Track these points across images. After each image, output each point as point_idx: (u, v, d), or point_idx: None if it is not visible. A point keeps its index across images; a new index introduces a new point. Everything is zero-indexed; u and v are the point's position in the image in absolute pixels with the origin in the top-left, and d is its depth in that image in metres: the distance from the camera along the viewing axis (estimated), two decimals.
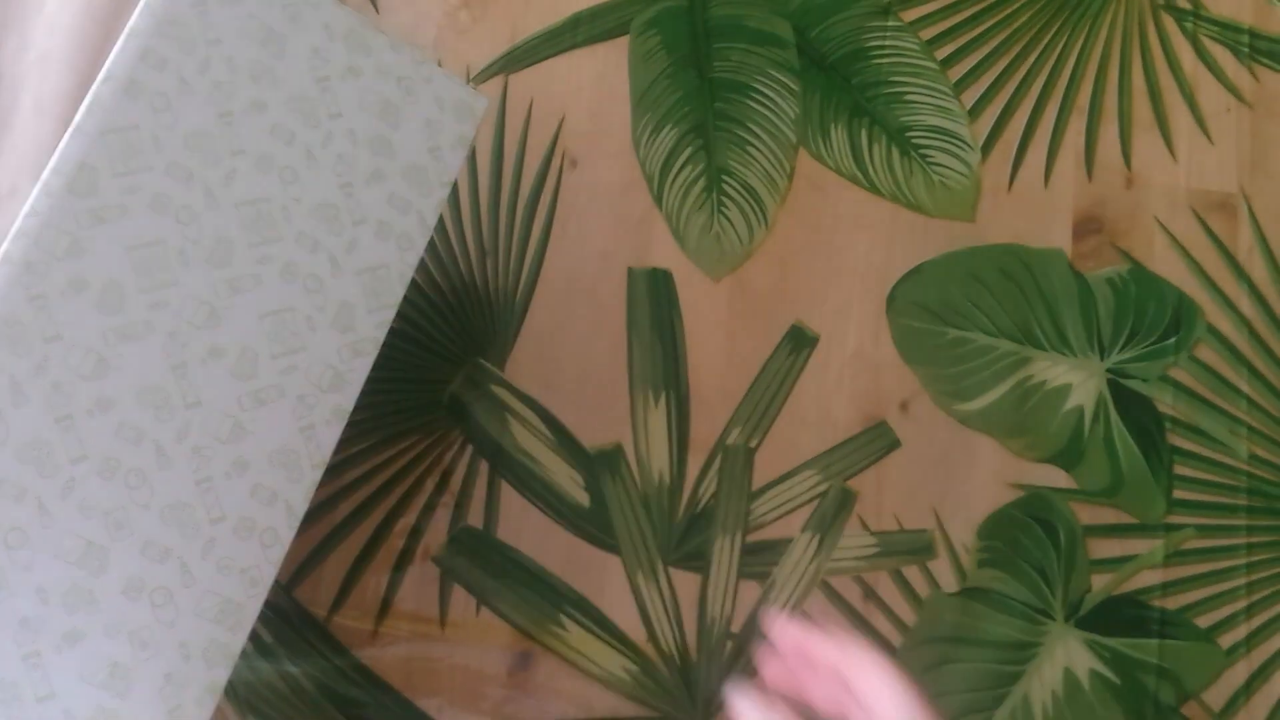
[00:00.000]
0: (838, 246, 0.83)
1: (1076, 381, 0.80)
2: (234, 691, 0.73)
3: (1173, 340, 0.81)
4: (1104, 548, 0.78)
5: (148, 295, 0.54)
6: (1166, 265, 0.83)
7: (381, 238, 0.61)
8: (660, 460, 0.78)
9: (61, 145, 0.52)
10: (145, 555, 0.53)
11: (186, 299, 0.55)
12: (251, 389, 0.56)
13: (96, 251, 0.53)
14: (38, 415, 0.51)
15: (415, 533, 0.76)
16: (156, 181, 0.54)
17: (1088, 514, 0.78)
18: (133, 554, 0.53)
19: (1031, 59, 0.86)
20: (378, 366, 0.79)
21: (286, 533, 0.57)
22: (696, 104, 0.85)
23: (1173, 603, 0.77)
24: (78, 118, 0.53)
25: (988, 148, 0.84)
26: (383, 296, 0.61)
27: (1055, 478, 0.79)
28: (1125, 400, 0.80)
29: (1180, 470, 0.79)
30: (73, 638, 0.52)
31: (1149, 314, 0.81)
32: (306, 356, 0.58)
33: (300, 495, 0.57)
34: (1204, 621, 0.77)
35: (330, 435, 0.59)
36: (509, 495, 0.77)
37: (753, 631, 0.76)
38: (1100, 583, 0.77)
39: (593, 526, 0.77)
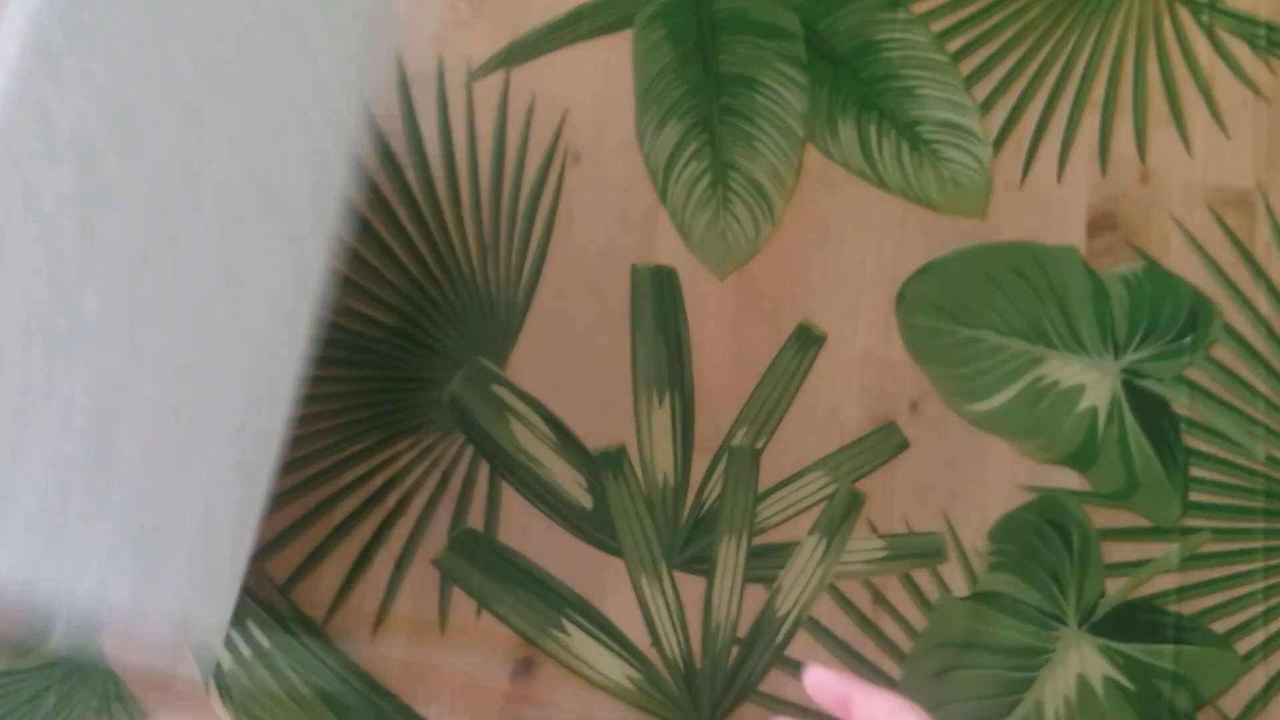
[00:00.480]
0: (846, 243, 0.81)
1: (1090, 382, 0.79)
2: (230, 696, 0.72)
3: (1188, 339, 0.80)
4: (1118, 551, 0.76)
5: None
6: (1182, 263, 0.81)
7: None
8: (664, 461, 0.77)
9: None
10: (158, 419, 0.52)
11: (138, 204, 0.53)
12: (238, 243, 0.55)
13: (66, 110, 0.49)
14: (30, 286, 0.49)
15: (415, 535, 0.76)
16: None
17: (1102, 517, 0.77)
18: (144, 418, 0.51)
19: (1044, 52, 0.85)
20: (378, 365, 0.78)
21: (284, 414, 0.56)
22: (702, 98, 0.84)
23: (1188, 608, 0.76)
24: None
25: (1000, 143, 0.83)
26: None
27: (1068, 480, 0.77)
28: (1140, 401, 0.78)
29: (1196, 472, 0.78)
30: (98, 504, 0.50)
31: (1164, 313, 0.80)
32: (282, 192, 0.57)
33: (296, 357, 0.57)
34: (1220, 627, 0.76)
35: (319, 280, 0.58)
36: (510, 497, 0.76)
37: (759, 637, 0.75)
38: (1115, 587, 0.76)
39: (595, 529, 0.76)
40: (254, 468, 0.55)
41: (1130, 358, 0.79)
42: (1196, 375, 0.79)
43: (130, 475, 0.51)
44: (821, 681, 0.44)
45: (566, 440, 0.77)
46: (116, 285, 0.51)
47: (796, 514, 0.77)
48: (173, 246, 0.52)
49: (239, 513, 0.54)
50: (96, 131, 0.49)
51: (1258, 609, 0.76)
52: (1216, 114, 0.84)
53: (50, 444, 0.49)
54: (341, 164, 0.58)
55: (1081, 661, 0.75)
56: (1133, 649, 0.75)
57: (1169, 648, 0.75)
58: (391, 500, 0.76)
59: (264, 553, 0.75)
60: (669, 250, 0.81)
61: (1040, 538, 0.76)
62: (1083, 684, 0.74)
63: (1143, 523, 0.77)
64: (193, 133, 0.52)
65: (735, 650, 0.74)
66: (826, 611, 0.75)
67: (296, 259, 0.57)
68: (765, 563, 0.76)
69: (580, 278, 0.80)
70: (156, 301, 0.52)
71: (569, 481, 0.77)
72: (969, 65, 0.85)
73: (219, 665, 0.73)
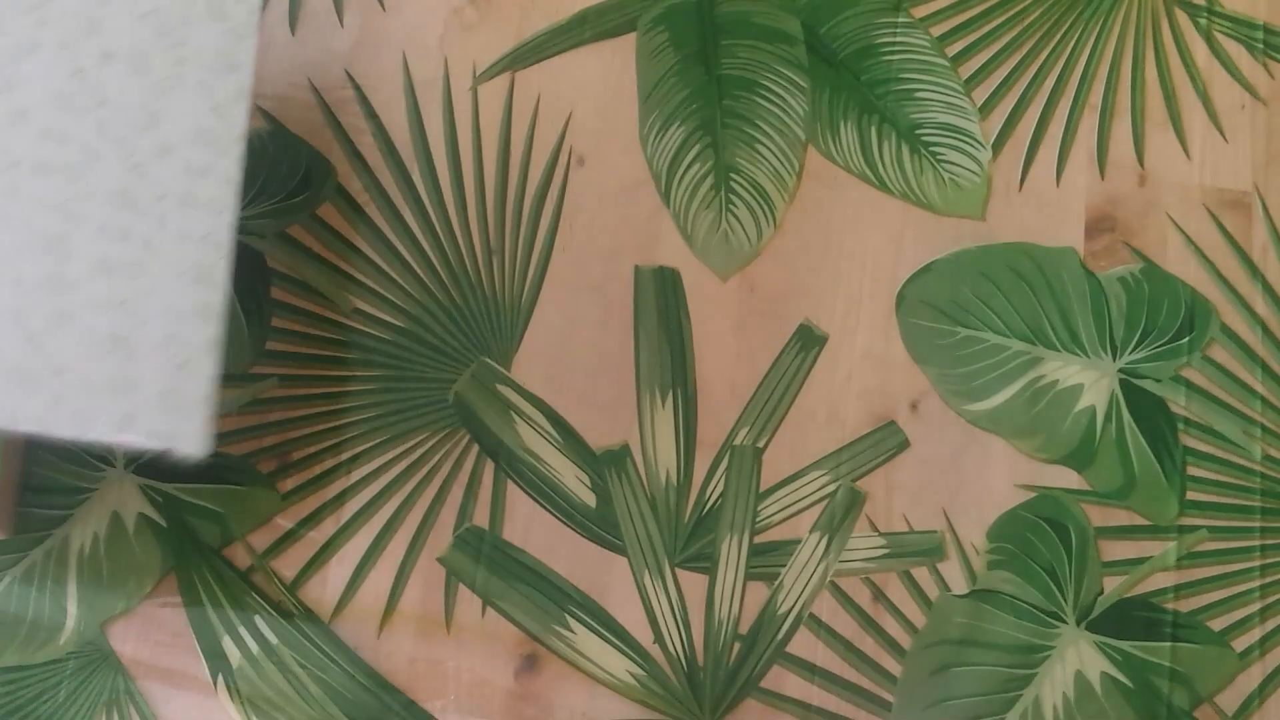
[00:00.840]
0: (847, 245, 0.82)
1: (1088, 382, 0.79)
2: (238, 691, 0.73)
3: (1186, 340, 0.80)
4: (1116, 549, 0.77)
5: (29, 15, 0.58)
6: (1180, 264, 0.82)
7: None
8: (667, 460, 0.78)
9: None
10: (105, 236, 0.56)
11: (64, 15, 0.58)
12: (151, 81, 0.60)
13: None
14: None
15: (420, 533, 0.76)
16: None
17: (1099, 515, 0.77)
18: (93, 237, 0.56)
19: (1043, 55, 0.86)
20: (382, 365, 0.79)
21: (229, 199, 0.60)
22: (704, 101, 0.84)
23: (1186, 605, 0.76)
24: None
25: (999, 145, 0.84)
26: None
27: (1067, 479, 0.78)
28: (1138, 401, 0.79)
29: (1193, 471, 0.78)
30: (64, 317, 0.55)
31: (1162, 313, 0.81)
32: (193, 46, 0.60)
33: (233, 165, 0.60)
34: (1218, 624, 0.76)
35: (239, 113, 0.61)
36: (515, 495, 0.77)
37: (760, 633, 0.75)
38: (1112, 585, 0.76)
39: (599, 527, 0.77)
40: (208, 274, 0.58)
41: (1128, 358, 0.80)
42: (1194, 375, 0.80)
43: (90, 290, 0.56)
44: None
45: (570, 439, 0.78)
46: (45, 125, 0.57)
47: (798, 512, 0.77)
48: (88, 87, 0.58)
49: (202, 316, 0.57)
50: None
51: (1254, 607, 0.76)
52: (1214, 117, 0.85)
53: (8, 267, 0.54)
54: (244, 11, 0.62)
55: (1079, 658, 0.75)
56: (1130, 646, 0.75)
57: (1166, 645, 0.76)
58: (397, 499, 0.77)
59: (271, 549, 0.76)
60: (672, 251, 0.82)
61: (1039, 536, 0.77)
62: (1081, 681, 0.75)
63: (1140, 521, 0.77)
64: None
65: (737, 647, 0.75)
66: (827, 608, 0.76)
67: (212, 94, 0.60)
68: (767, 560, 0.76)
69: (584, 279, 0.81)
70: (83, 135, 0.57)
71: (573, 480, 0.77)
72: (968, 69, 0.85)
73: (227, 661, 0.74)
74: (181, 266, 0.58)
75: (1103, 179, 0.84)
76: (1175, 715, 0.75)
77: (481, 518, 0.77)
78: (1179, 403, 0.79)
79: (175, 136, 0.60)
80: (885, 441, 0.79)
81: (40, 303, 0.55)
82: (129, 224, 0.58)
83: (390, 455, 0.77)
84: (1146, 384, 0.79)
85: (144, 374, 0.56)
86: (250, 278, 0.80)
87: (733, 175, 0.83)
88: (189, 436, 0.57)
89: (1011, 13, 0.87)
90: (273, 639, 0.74)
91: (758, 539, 0.77)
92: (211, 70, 0.62)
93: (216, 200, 0.60)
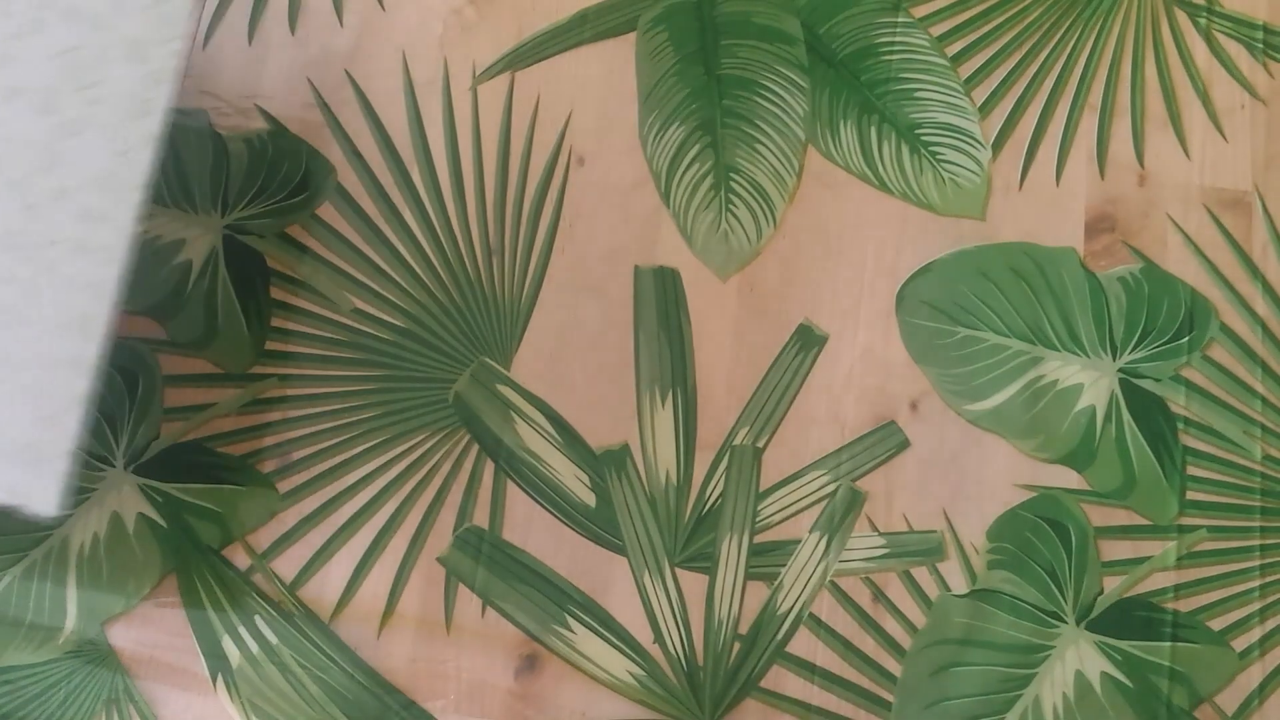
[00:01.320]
0: (847, 245, 0.82)
1: (1088, 381, 0.79)
2: (238, 691, 0.73)
3: (1186, 340, 0.80)
4: (1116, 549, 0.77)
5: None
6: (1180, 264, 0.82)
7: None
8: (667, 460, 0.78)
9: None
10: None
11: None
12: (58, 122, 0.58)
13: None
14: None
15: (420, 533, 0.76)
16: None
17: (1099, 515, 0.77)
18: None
19: (1043, 55, 0.86)
20: (382, 365, 0.79)
21: (121, 250, 0.58)
22: (704, 101, 0.84)
23: (1185, 605, 0.76)
24: None
25: (998, 145, 0.84)
26: (171, 28, 0.61)
27: (1067, 478, 0.78)
28: (1137, 400, 0.79)
29: (1193, 471, 0.78)
30: None
31: (1162, 313, 0.81)
32: (108, 89, 0.58)
33: (129, 213, 0.58)
34: (1217, 624, 0.76)
35: (145, 157, 0.59)
36: (514, 495, 0.77)
37: (760, 633, 0.75)
38: (1112, 585, 0.76)
39: (599, 526, 0.77)
40: (88, 325, 0.56)
41: (1128, 357, 0.80)
42: (1193, 375, 0.80)
43: None
44: None
45: (570, 439, 0.78)
46: None
47: (797, 512, 0.77)
48: None
49: (75, 369, 0.56)
50: None
51: (1254, 606, 0.76)
52: (1214, 116, 0.85)
53: None
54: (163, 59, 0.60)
55: (1079, 658, 0.75)
56: (1130, 646, 0.75)
57: (1166, 645, 0.76)
58: (397, 499, 0.77)
59: (271, 549, 0.76)
60: (672, 251, 0.82)
61: (1039, 536, 0.77)
62: (1080, 680, 0.75)
63: (1140, 521, 0.77)
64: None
65: (737, 646, 0.75)
66: (827, 608, 0.76)
67: (120, 139, 0.58)
68: (767, 560, 0.76)
69: (584, 279, 0.81)
70: None
71: (573, 480, 0.77)
72: (968, 69, 0.85)
73: (227, 661, 0.74)
74: (63, 316, 0.56)
75: (1103, 179, 0.84)
76: (1175, 715, 0.75)
77: (481, 518, 0.77)
78: (1179, 402, 0.79)
79: (74, 180, 0.58)
80: (885, 441, 0.79)
81: None
82: (13, 267, 0.56)
83: (390, 455, 0.77)
84: (1146, 384, 0.79)
85: (3, 425, 0.54)
86: (250, 277, 0.80)
87: (732, 175, 0.83)
88: (42, 495, 0.54)
89: (1011, 12, 0.87)
90: (272, 639, 0.74)
91: (757, 539, 0.77)
92: (124, 114, 0.59)
93: (109, 249, 0.58)
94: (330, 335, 0.79)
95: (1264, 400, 0.80)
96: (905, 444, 0.79)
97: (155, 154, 0.60)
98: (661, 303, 0.80)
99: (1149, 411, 0.79)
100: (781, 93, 0.85)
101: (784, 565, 0.76)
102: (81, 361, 0.56)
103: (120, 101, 0.59)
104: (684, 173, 0.83)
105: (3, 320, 0.55)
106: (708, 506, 0.77)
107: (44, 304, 0.56)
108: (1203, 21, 0.87)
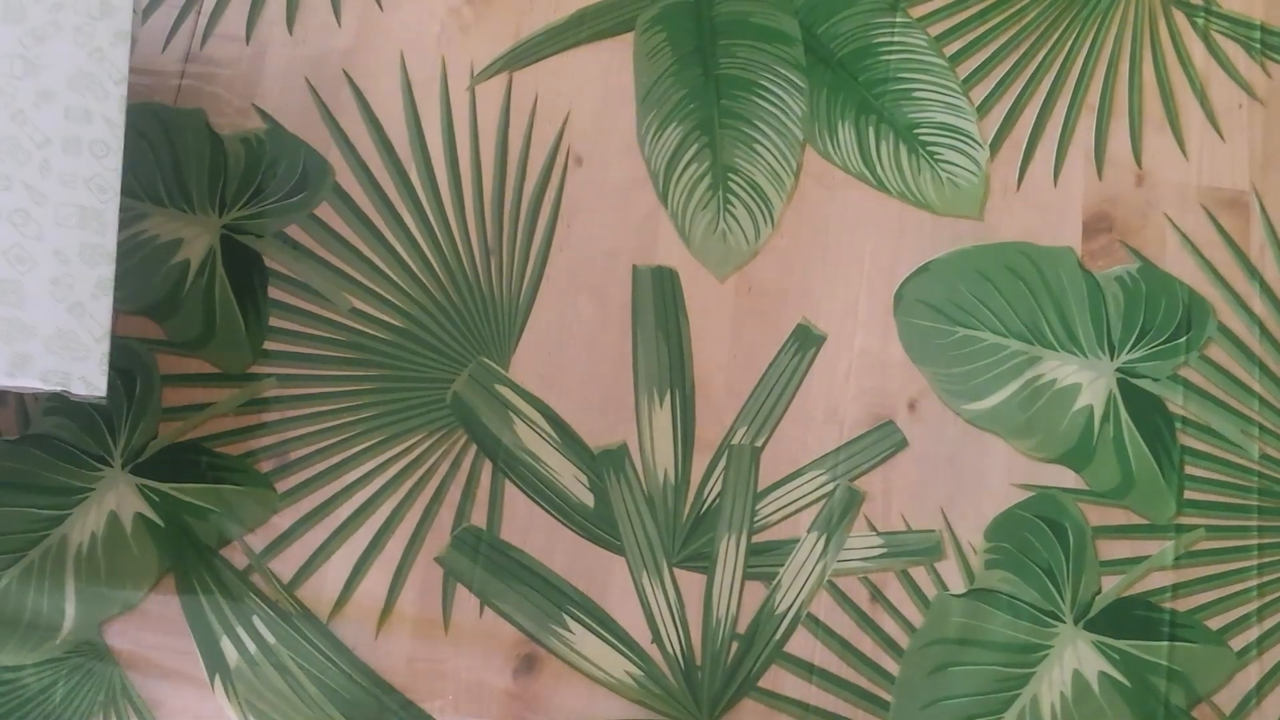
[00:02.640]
0: (845, 245, 0.82)
1: (1086, 381, 0.79)
2: (235, 692, 0.73)
3: (1183, 339, 0.80)
4: (1114, 549, 0.77)
5: None
6: (1177, 264, 0.82)
7: None
8: (665, 460, 0.78)
9: None
10: None
11: None
12: (27, 30, 0.60)
13: None
14: None
15: (418, 533, 0.76)
16: None
17: (1097, 515, 0.77)
18: None
19: (1041, 55, 0.86)
20: (380, 365, 0.79)
21: (115, 142, 0.61)
22: (702, 101, 0.84)
23: (1183, 604, 0.76)
24: None
25: (996, 145, 0.84)
26: None
27: (1064, 478, 0.78)
28: (1135, 400, 0.79)
29: (1191, 470, 0.78)
30: None
31: (1159, 313, 0.81)
32: None
33: (114, 108, 0.61)
34: (1215, 623, 0.76)
35: (120, 55, 0.61)
36: (513, 495, 0.77)
37: (758, 633, 0.75)
38: (1110, 584, 0.76)
39: (597, 526, 0.77)
40: (95, 217, 0.59)
41: (1126, 357, 0.80)
42: (1191, 374, 0.80)
43: None
44: None
45: (568, 439, 0.78)
46: None
47: (796, 512, 0.77)
48: None
49: (92, 259, 0.58)
50: None
51: (1252, 606, 0.76)
52: (1211, 116, 0.85)
53: None
54: None
55: (1077, 658, 0.75)
56: (1128, 645, 0.75)
57: (1164, 644, 0.76)
58: (395, 499, 0.77)
59: (269, 548, 0.76)
60: (670, 251, 0.82)
61: (1036, 535, 0.77)
62: (1078, 680, 0.75)
63: (1138, 520, 0.77)
64: None
65: (735, 646, 0.75)
66: (825, 608, 0.76)
67: (91, 39, 0.61)
68: (765, 560, 0.76)
69: (582, 278, 0.81)
70: None
71: (571, 480, 0.77)
72: (966, 68, 0.85)
73: (225, 661, 0.74)
74: (68, 211, 0.59)
75: (1100, 179, 0.84)
76: (1173, 714, 0.75)
77: (479, 518, 0.77)
78: (1177, 402, 0.79)
79: (55, 82, 0.60)
80: (883, 441, 0.79)
81: None
82: (11, 171, 0.59)
83: (388, 455, 0.77)
84: (1144, 383, 0.79)
85: (35, 318, 0.57)
86: (248, 277, 0.80)
87: (730, 175, 0.83)
88: (84, 377, 0.57)
89: (1009, 12, 0.87)
90: (270, 639, 0.74)
91: (756, 538, 0.77)
92: (89, 15, 0.61)
93: (100, 143, 0.60)
94: (328, 335, 0.79)
95: (1261, 400, 0.80)
96: (903, 444, 0.79)
97: (128, 49, 0.62)
98: (660, 302, 0.80)
99: (1147, 411, 0.79)
100: (779, 93, 0.85)
101: (782, 565, 0.76)
102: (98, 250, 0.59)
103: (83, 4, 0.62)
104: (682, 172, 0.83)
105: (13, 222, 0.58)
106: (706, 506, 0.77)
107: (48, 202, 0.59)
108: (1200, 21, 0.87)
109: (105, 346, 0.58)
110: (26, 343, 0.57)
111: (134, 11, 0.63)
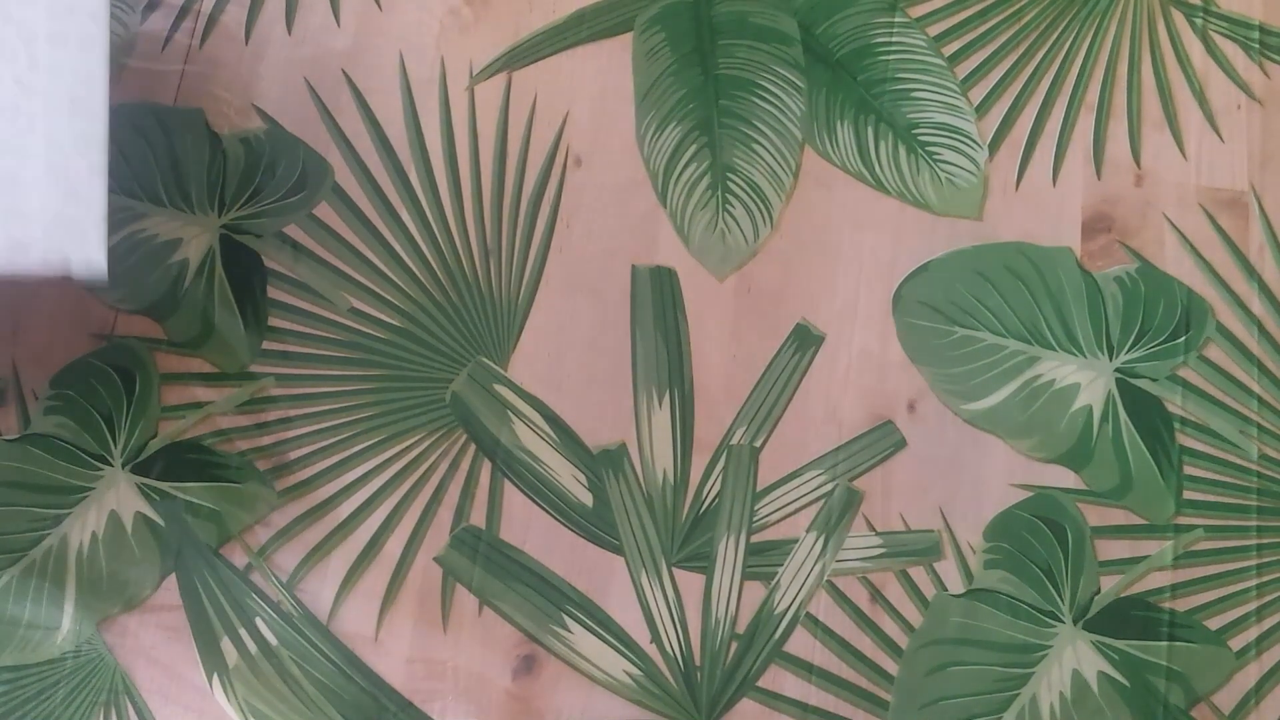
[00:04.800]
0: (843, 244, 0.82)
1: (1085, 381, 0.79)
2: (234, 692, 0.73)
3: (1182, 339, 0.80)
4: (1113, 549, 0.77)
5: None
6: (1176, 264, 0.82)
7: None
8: (664, 460, 0.78)
9: None
10: None
11: None
12: None
13: None
14: None
15: (417, 532, 0.76)
16: None
17: (1096, 515, 0.77)
18: None
19: (1040, 55, 0.86)
20: (379, 364, 0.79)
21: (99, 34, 0.61)
22: (701, 101, 0.84)
23: (1182, 604, 0.76)
24: None
25: (995, 145, 0.84)
26: None
27: (1063, 478, 0.78)
28: (1134, 400, 0.79)
29: (1190, 470, 0.79)
30: None
31: (1158, 313, 0.81)
32: None
33: (96, 3, 0.61)
34: (1214, 623, 0.76)
35: None
36: (512, 495, 0.77)
37: (757, 633, 0.75)
38: (1109, 584, 0.76)
39: (596, 526, 0.77)
40: (84, 106, 0.60)
41: (1124, 357, 0.80)
42: (1190, 375, 0.80)
43: None
44: None
45: (567, 439, 0.78)
46: None
47: (795, 511, 0.77)
48: None
49: (83, 146, 0.60)
50: None
51: (1251, 606, 0.76)
52: (1210, 116, 0.85)
53: None
54: None
55: (1076, 658, 0.75)
56: (1127, 645, 0.75)
57: (1163, 644, 0.76)
58: (394, 498, 0.77)
59: (269, 547, 0.76)
60: (669, 251, 0.82)
61: (1035, 535, 0.77)
62: (1078, 680, 0.75)
63: (1137, 520, 0.77)
64: None
65: (734, 646, 0.75)
66: (824, 608, 0.76)
67: None
68: (764, 560, 0.76)
69: (581, 278, 0.81)
70: None
71: (570, 479, 0.77)
72: (965, 68, 0.85)
73: (224, 661, 0.74)
74: (57, 101, 0.60)
75: (1099, 179, 0.84)
76: (1172, 714, 0.75)
77: (478, 517, 0.77)
78: (1175, 402, 0.79)
79: None
80: (882, 441, 0.79)
81: None
82: (0, 68, 0.59)
83: (387, 455, 0.77)
84: (1143, 383, 0.79)
85: (32, 204, 0.58)
86: (247, 277, 0.80)
87: (729, 175, 0.83)
88: (83, 259, 0.58)
89: (1008, 12, 0.87)
90: (270, 639, 0.74)
91: (755, 538, 0.77)
92: None
93: (86, 37, 0.61)
94: (327, 335, 0.80)
95: (1260, 400, 0.80)
96: (902, 444, 0.79)
97: None
98: (659, 302, 0.80)
99: (1146, 411, 0.79)
100: (778, 93, 0.85)
101: (781, 565, 0.76)
102: (89, 138, 0.60)
103: None
104: (681, 172, 0.83)
105: (6, 115, 0.59)
106: (705, 506, 0.77)
107: (38, 95, 0.60)
108: (1199, 22, 0.87)
109: (103, 230, 0.60)
110: (25, 229, 0.58)
111: None
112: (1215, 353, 0.80)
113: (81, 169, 0.60)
